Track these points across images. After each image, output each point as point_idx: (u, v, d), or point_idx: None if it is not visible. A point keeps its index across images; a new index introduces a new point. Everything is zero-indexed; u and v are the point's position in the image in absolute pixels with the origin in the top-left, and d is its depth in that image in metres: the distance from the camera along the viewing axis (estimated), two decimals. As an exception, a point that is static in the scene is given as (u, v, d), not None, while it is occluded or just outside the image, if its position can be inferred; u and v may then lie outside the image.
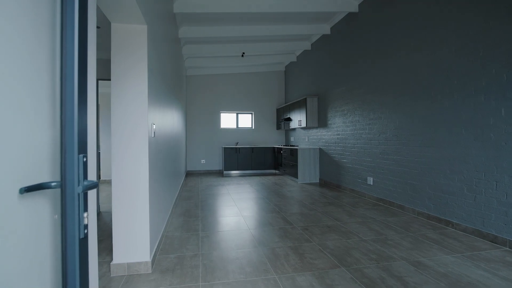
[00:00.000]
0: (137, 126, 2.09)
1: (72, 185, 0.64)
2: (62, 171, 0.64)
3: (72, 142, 0.65)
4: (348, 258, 2.36)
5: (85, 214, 0.67)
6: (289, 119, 7.60)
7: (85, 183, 0.66)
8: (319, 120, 6.37)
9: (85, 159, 0.68)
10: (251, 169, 8.23)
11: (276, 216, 3.61)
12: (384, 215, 3.65)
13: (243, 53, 6.92)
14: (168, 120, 3.65)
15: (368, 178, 4.57)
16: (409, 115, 3.71)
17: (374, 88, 4.43)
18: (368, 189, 4.58)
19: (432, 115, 3.35)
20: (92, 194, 1.00)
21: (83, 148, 0.68)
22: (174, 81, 4.58)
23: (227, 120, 8.85)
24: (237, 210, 3.95)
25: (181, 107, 6.39)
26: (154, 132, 2.38)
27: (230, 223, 3.36)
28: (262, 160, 8.27)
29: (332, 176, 5.81)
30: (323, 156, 6.18)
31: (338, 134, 5.54)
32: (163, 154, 3.06)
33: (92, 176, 1.16)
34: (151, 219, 2.25)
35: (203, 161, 8.49)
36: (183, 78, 6.81)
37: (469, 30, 2.89)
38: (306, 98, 6.42)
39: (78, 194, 0.64)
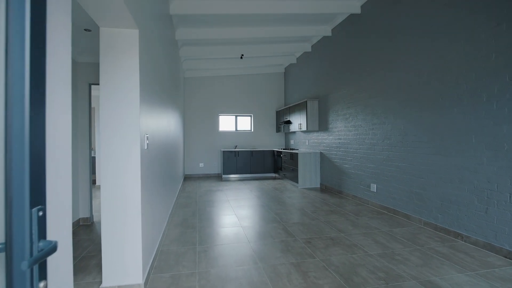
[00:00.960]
0: (128, 137, 1.94)
1: (21, 252, 0.48)
2: (7, 229, 0.49)
3: (22, 192, 0.49)
4: (354, 277, 2.21)
5: (41, 285, 0.52)
6: (289, 122, 7.46)
7: (40, 245, 0.51)
8: (320, 124, 6.22)
9: (41, 213, 0.52)
10: (250, 173, 8.08)
11: (277, 227, 3.46)
12: (389, 225, 3.50)
13: (242, 55, 6.77)
14: (164, 126, 3.50)
15: (372, 185, 4.43)
16: (415, 121, 3.57)
17: (378, 92, 4.29)
18: (372, 196, 4.44)
19: (440, 122, 3.21)
20: (63, 249, 0.83)
21: (38, 198, 0.53)
22: (171, 84, 4.42)
23: (226, 123, 8.69)
24: (236, 219, 3.80)
25: (179, 110, 6.23)
26: (148, 144, 2.22)
27: (229, 234, 3.21)
28: (262, 164, 8.12)
29: (333, 182, 5.66)
30: (324, 160, 6.04)
31: (340, 139, 5.40)
32: (158, 163, 2.91)
33: (57, 230, 0.82)
34: (144, 236, 2.09)
35: (201, 164, 8.33)
36: (180, 80, 6.66)
37: (481, 33, 2.75)
38: (306, 101, 6.28)
39: (29, 264, 0.48)
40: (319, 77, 6.30)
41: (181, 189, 6.10)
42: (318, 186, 6.27)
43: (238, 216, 3.97)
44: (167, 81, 3.83)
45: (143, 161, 2.09)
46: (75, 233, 3.30)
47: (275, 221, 3.71)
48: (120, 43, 1.92)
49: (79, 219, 3.68)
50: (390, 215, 3.94)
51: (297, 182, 6.29)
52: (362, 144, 4.69)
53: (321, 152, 6.20)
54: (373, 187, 4.39)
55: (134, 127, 1.95)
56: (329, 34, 5.73)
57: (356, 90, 4.85)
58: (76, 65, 3.67)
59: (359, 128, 4.78)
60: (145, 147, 2.14)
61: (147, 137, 2.21)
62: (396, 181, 3.91)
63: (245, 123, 8.82)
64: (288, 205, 4.61)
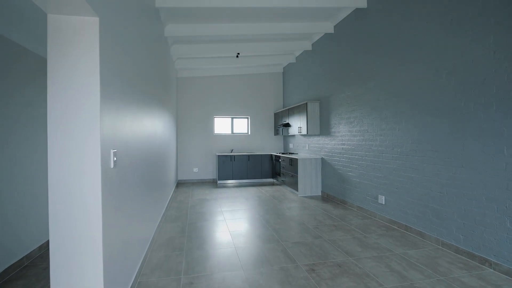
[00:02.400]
0: (86, 153, 1.51)
1: None
2: None
3: None
4: (371, 325, 1.79)
5: None
6: (288, 125, 7.04)
7: None
8: (321, 127, 5.81)
9: None
10: (247, 178, 7.65)
11: (275, 248, 3.04)
12: (402, 245, 3.09)
13: (238, 53, 6.34)
14: (147, 132, 3.07)
15: (380, 196, 4.02)
16: (431, 127, 3.16)
17: (387, 94, 3.88)
18: (380, 209, 4.03)
19: (462, 129, 2.80)
20: None
21: None
22: (158, 84, 4.00)
23: (222, 126, 8.26)
24: (230, 238, 3.37)
25: (169, 112, 5.80)
26: (115, 161, 1.78)
27: (221, 259, 2.78)
28: (259, 169, 7.70)
29: (336, 190, 5.25)
30: (326, 167, 5.62)
31: (343, 144, 4.99)
32: (136, 177, 2.48)
33: None
34: (109, 270, 1.66)
35: (195, 169, 7.89)
36: (172, 80, 6.22)
37: (515, 26, 2.34)
38: (306, 103, 5.86)
39: None
40: (321, 77, 5.88)
41: (172, 198, 5.67)
42: (319, 194, 5.85)
43: (232, 233, 3.54)
44: (152, 82, 3.40)
45: (108, 182, 1.66)
46: (43, 258, 2.86)
47: (273, 239, 3.29)
48: (74, 33, 1.49)
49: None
50: (401, 231, 3.53)
51: (296, 190, 5.87)
52: (369, 151, 4.27)
53: (322, 158, 5.78)
54: (382, 199, 3.98)
55: (93, 141, 1.52)
56: (332, 31, 5.32)
57: (362, 91, 4.44)
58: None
59: (365, 134, 4.37)
60: (111, 165, 1.71)
61: (115, 153, 1.78)
62: (408, 194, 3.50)
63: (241, 125, 8.39)
64: (287, 218, 4.19)
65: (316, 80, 6.09)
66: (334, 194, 5.33)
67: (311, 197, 5.63)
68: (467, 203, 2.75)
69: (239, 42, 5.88)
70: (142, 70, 2.76)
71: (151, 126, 3.36)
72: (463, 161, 2.79)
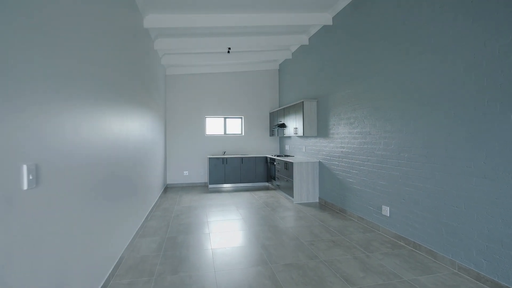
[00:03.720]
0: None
1: None
2: None
3: None
4: None
5: None
6: (283, 125, 6.57)
7: None
8: (319, 129, 5.34)
9: None
10: (240, 182, 7.19)
11: (262, 272, 2.58)
12: (412, 267, 2.63)
13: (229, 48, 5.87)
14: (115, 133, 2.60)
15: (384, 207, 3.56)
16: (445, 129, 2.70)
17: (392, 91, 3.42)
18: (384, 221, 3.57)
19: (485, 133, 2.34)
20: None
21: None
22: (136, 82, 3.53)
23: (214, 126, 7.79)
24: (211, 258, 2.91)
25: (155, 112, 5.33)
26: (36, 178, 1.31)
27: (195, 288, 2.32)
28: (253, 172, 7.24)
29: (334, 197, 4.79)
30: (324, 171, 5.16)
31: (343, 147, 4.52)
32: (92, 187, 2.01)
33: None
34: None
35: (186, 173, 7.42)
36: (158, 78, 5.75)
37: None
38: (303, 101, 5.40)
39: None
40: (318, 74, 5.42)
41: (157, 205, 5.20)
42: (317, 201, 5.39)
43: (215, 251, 3.08)
44: (126, 79, 2.93)
45: (15, 210, 1.19)
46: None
47: (261, 261, 2.83)
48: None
49: None
50: (409, 249, 3.07)
51: (292, 196, 5.41)
52: (371, 155, 3.81)
53: (320, 162, 5.32)
54: (386, 210, 3.52)
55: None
56: (330, 23, 4.85)
57: (364, 89, 3.98)
58: None
59: (367, 136, 3.91)
60: (24, 186, 1.24)
61: (33, 167, 1.31)
62: (417, 206, 3.04)
63: (235, 126, 7.92)
64: (280, 231, 3.72)
65: (314, 78, 5.62)
66: (332, 201, 4.87)
67: (308, 205, 5.16)
68: (491, 221, 2.29)
69: (230, 35, 5.41)
70: (111, 67, 2.29)
71: (121, 128, 2.89)
72: (486, 171, 2.33)
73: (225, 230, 3.80)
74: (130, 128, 3.33)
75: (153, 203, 4.97)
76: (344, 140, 4.48)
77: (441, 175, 2.75)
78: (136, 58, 3.74)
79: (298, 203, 5.27)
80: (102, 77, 2.33)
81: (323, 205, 5.09)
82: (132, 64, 3.48)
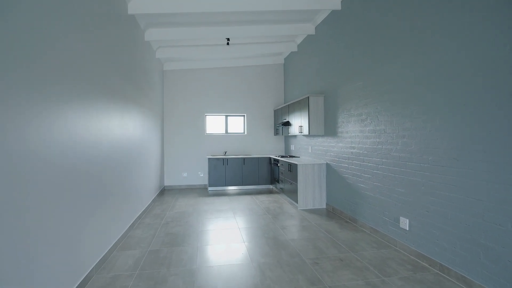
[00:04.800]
0: None
1: None
2: None
3: None
4: None
5: None
6: (288, 124, 6.05)
7: None
8: (326, 127, 4.80)
9: None
10: (242, 185, 6.71)
11: (252, 303, 2.09)
12: (440, 301, 2.09)
13: (228, 39, 5.39)
14: (87, 132, 2.16)
15: (402, 218, 3.01)
16: (484, 127, 2.14)
17: (412, 81, 2.86)
18: (402, 235, 3.02)
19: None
20: None
21: None
22: (122, 77, 3.09)
23: (214, 124, 7.33)
24: (193, 282, 2.43)
25: (149, 109, 4.91)
26: None
27: (165, 325, 1.85)
28: (256, 174, 6.74)
29: (343, 204, 4.25)
30: (332, 174, 4.62)
31: (353, 147, 3.98)
32: (52, 199, 1.57)
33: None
34: None
35: (184, 174, 6.99)
36: (151, 72, 5.33)
37: None
38: (308, 97, 4.87)
39: None
40: (326, 66, 4.87)
41: (147, 210, 4.77)
42: (324, 207, 4.85)
43: (200, 271, 2.61)
44: (108, 75, 2.49)
45: None
46: None
47: (252, 286, 2.33)
48: None
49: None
50: (435, 273, 2.52)
51: (296, 201, 4.89)
52: (386, 157, 3.26)
53: (327, 163, 4.78)
54: (405, 223, 2.96)
55: None
56: (338, 7, 4.30)
57: (377, 80, 3.42)
58: None
59: (381, 135, 3.36)
60: None
61: None
62: (445, 221, 2.48)
63: (237, 124, 7.44)
64: (279, 245, 3.22)
65: (321, 70, 5.07)
66: (341, 208, 4.32)
67: (313, 211, 4.63)
68: (551, 247, 1.73)
69: (228, 24, 4.93)
70: (69, 47, 1.84)
71: (87, 125, 2.45)
72: (544, 181, 1.76)
73: (217, 242, 3.32)
74: (104, 125, 2.89)
75: (143, 208, 4.55)
76: (355, 139, 3.93)
77: (477, 183, 2.19)
78: (119, 47, 3.32)
79: (302, 209, 4.75)
80: (62, 61, 1.88)
81: (330, 212, 4.55)
82: (111, 53, 3.04)
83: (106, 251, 2.86)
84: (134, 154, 4.00)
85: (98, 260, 2.64)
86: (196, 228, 3.85)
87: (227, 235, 3.55)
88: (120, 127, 3.38)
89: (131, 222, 3.82)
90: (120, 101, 3.39)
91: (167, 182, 6.92)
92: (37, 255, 1.71)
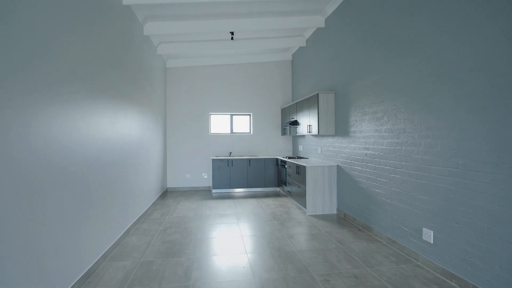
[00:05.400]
0: None
1: None
2: None
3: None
4: None
5: None
6: (296, 123, 5.71)
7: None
8: (337, 126, 4.44)
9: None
10: (248, 187, 6.40)
11: (252, 333, 1.77)
12: (478, 335, 1.73)
13: (232, 33, 5.09)
14: (71, 133, 1.89)
15: (425, 230, 2.64)
16: (532, 124, 1.77)
17: (439, 73, 2.49)
18: (425, 249, 2.65)
19: None
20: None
21: None
22: (116, 75, 2.84)
23: (219, 124, 7.05)
24: (186, 300, 2.14)
25: (150, 108, 4.67)
26: None
27: None
28: (262, 175, 6.42)
29: (356, 210, 3.89)
30: (343, 178, 4.26)
31: (367, 149, 3.62)
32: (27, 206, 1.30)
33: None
34: None
35: (188, 175, 6.73)
36: (152, 69, 5.08)
37: None
38: (317, 94, 4.52)
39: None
40: (337, 60, 4.51)
41: (146, 214, 4.52)
42: (334, 212, 4.50)
43: (194, 287, 2.31)
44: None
45: None
46: None
47: (252, 309, 2.02)
48: None
49: None
50: (467, 296, 2.15)
51: (304, 206, 4.55)
52: (406, 160, 2.90)
53: (338, 166, 4.42)
54: (428, 235, 2.60)
55: None
56: (351, -5, 3.94)
57: (395, 74, 3.06)
58: None
59: (400, 135, 3.00)
60: None
61: None
62: (479, 235, 2.11)
63: (242, 124, 7.14)
64: (285, 257, 2.89)
65: (331, 65, 4.72)
66: (354, 215, 3.96)
67: (323, 217, 4.28)
68: None
69: (232, 17, 4.63)
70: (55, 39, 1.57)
71: (69, 124, 2.19)
72: None
73: (217, 252, 3.03)
74: (93, 124, 2.62)
75: (142, 212, 4.30)
76: (369, 139, 3.57)
77: (524, 193, 1.82)
78: (113, 41, 3.07)
79: (311, 215, 4.40)
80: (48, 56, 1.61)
81: (341, 219, 4.19)
82: (104, 48, 2.78)
83: (93, 262, 2.60)
84: (129, 155, 3.74)
85: (82, 274, 2.38)
86: (196, 235, 3.56)
87: (228, 245, 3.25)
88: (111, 126, 3.12)
89: (127, 228, 3.56)
90: (116, 99, 3.13)
91: (170, 184, 6.68)
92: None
